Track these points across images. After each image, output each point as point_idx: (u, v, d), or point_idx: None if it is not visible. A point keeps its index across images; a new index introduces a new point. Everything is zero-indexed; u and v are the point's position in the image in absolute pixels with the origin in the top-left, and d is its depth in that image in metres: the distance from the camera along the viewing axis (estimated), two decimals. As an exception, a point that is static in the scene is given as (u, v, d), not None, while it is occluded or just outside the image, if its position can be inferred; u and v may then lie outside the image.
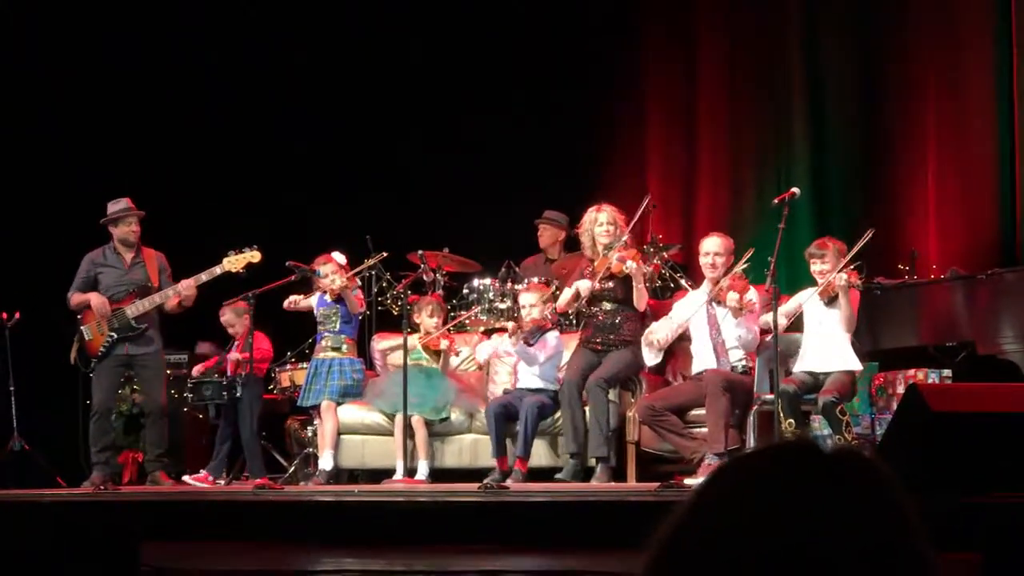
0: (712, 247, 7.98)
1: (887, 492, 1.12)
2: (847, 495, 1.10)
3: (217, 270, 8.61)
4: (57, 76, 10.84)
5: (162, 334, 8.82)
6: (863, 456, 1.14)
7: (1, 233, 10.45)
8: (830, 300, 7.62)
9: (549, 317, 8.31)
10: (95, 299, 8.60)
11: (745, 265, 7.82)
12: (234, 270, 8.60)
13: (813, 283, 7.73)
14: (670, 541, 1.12)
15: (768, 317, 7.76)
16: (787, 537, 1.07)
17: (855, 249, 7.61)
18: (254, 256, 8.64)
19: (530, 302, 8.32)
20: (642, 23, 11.33)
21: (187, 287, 8.56)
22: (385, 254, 8.83)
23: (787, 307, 7.61)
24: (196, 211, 10.08)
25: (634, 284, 8.00)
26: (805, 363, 7.66)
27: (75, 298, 8.69)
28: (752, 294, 7.81)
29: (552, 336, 8.28)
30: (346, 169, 11.17)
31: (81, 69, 10.91)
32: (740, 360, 7.86)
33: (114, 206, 8.72)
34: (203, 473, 8.72)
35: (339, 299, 8.51)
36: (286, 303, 8.64)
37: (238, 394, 8.81)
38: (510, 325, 8.32)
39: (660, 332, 8.00)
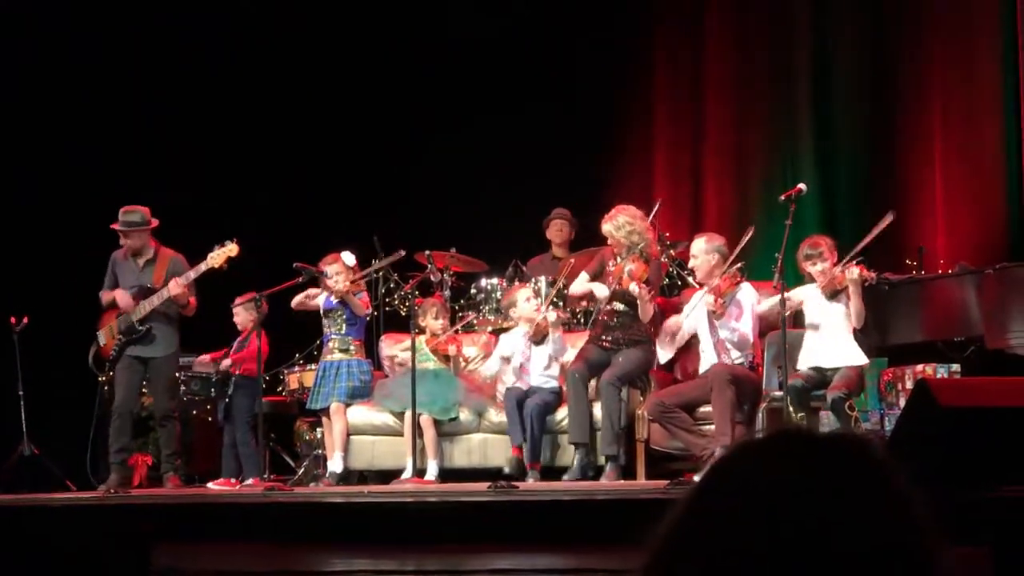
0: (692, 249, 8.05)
1: (886, 475, 1.12)
2: (846, 479, 1.10)
3: (203, 267, 8.57)
4: (72, 79, 10.85)
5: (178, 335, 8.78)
6: (861, 441, 1.14)
7: (10, 237, 10.46)
8: (832, 295, 7.62)
9: (559, 316, 8.32)
10: (119, 295, 8.64)
11: (739, 264, 7.82)
12: (216, 265, 8.59)
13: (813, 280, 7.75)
14: (671, 533, 1.12)
15: (764, 306, 7.79)
16: (789, 523, 1.07)
17: (874, 233, 7.62)
18: (231, 250, 8.59)
19: (526, 296, 8.40)
20: (650, 19, 11.32)
21: (176, 286, 8.52)
22: (402, 253, 8.69)
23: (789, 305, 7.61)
24: (204, 213, 10.06)
25: (638, 301, 7.96)
26: (811, 359, 7.65)
27: (104, 296, 8.75)
28: (749, 293, 7.83)
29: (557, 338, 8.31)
30: (353, 169, 11.16)
31: (96, 71, 10.92)
32: (739, 359, 7.85)
33: (123, 216, 8.70)
34: (222, 479, 8.69)
35: (343, 300, 8.51)
36: (296, 299, 8.60)
37: (229, 392, 8.78)
38: (528, 327, 8.30)
39: (674, 322, 8.00)
